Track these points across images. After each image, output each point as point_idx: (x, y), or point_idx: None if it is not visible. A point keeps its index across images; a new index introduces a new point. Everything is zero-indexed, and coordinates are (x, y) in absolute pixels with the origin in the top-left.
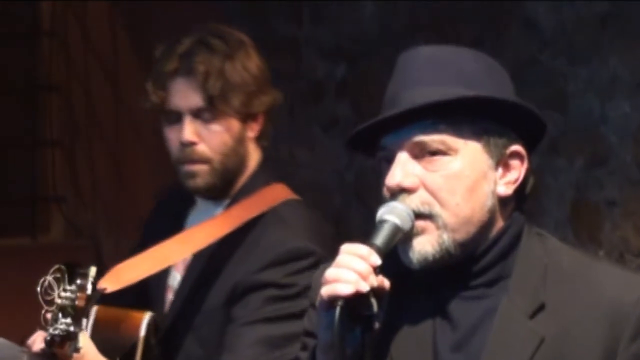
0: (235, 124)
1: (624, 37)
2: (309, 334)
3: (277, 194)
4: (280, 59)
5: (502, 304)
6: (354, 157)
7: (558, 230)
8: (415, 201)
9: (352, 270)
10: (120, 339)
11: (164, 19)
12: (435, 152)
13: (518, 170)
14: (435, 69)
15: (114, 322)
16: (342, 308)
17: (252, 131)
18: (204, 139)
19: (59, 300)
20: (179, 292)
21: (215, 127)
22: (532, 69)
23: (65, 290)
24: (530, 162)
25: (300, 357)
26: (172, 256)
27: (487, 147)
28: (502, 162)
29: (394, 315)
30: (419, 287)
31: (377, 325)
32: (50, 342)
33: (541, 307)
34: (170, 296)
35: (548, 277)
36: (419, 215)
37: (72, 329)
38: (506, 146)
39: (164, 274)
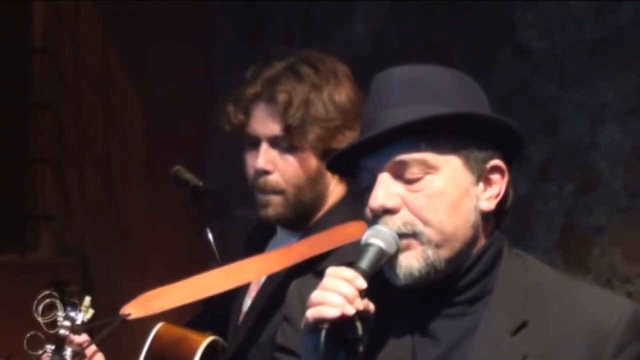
0: (313, 158)
1: (615, 63)
2: (283, 349)
3: (351, 232)
4: None
5: (484, 321)
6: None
7: (547, 255)
8: (397, 222)
9: (338, 293)
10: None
11: (156, 37)
12: (416, 171)
13: (499, 185)
14: (411, 88)
15: (174, 341)
16: (327, 331)
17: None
18: (279, 169)
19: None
20: (245, 318)
21: (291, 158)
22: (522, 94)
23: (58, 317)
24: (510, 177)
25: None
26: (211, 288)
27: (468, 163)
28: (483, 177)
29: (374, 335)
30: (400, 306)
31: (361, 348)
32: None
33: (524, 325)
34: (240, 320)
35: (530, 296)
36: (402, 236)
37: (56, 357)
38: (486, 161)
39: (241, 296)
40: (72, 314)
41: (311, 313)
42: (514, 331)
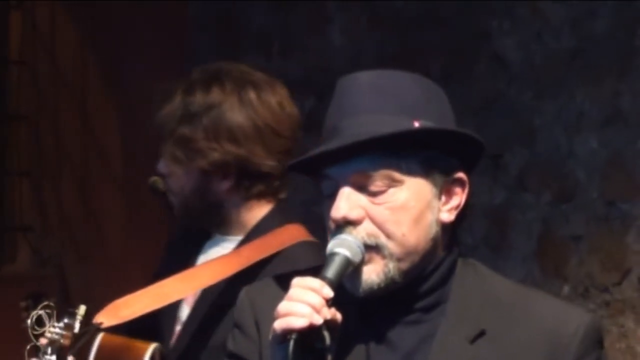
0: (190, 173)
1: (592, 73)
2: (233, 355)
3: (291, 235)
4: None
5: (441, 328)
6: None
7: (525, 265)
8: (361, 233)
9: (305, 303)
10: None
11: (133, 50)
12: (380, 190)
13: (460, 197)
14: (377, 95)
15: (118, 351)
16: (295, 341)
17: (223, 185)
18: (169, 176)
19: (48, 336)
20: (186, 325)
21: (174, 169)
22: (499, 104)
23: (54, 326)
24: (470, 187)
25: None
26: (172, 294)
27: (432, 177)
28: (444, 189)
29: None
30: (355, 313)
31: (329, 358)
32: None
33: (482, 333)
34: (178, 328)
35: (486, 304)
36: (365, 247)
37: None
38: (449, 174)
39: (174, 306)
40: (70, 321)
41: (279, 324)
42: (472, 339)
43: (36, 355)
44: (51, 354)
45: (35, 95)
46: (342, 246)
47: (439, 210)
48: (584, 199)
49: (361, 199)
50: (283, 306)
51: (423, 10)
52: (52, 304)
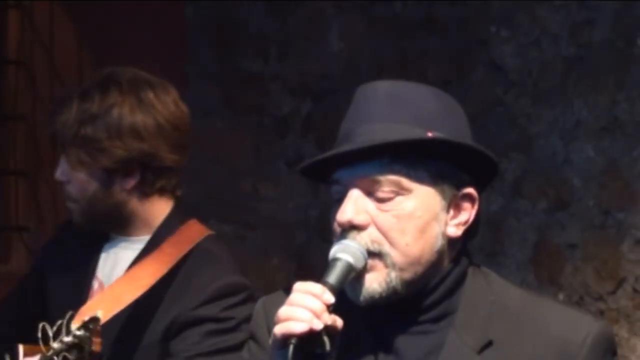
0: (93, 175)
1: (589, 81)
2: None
3: (198, 230)
4: (246, 94)
5: (449, 339)
6: (319, 194)
7: (519, 272)
8: (365, 239)
9: (306, 308)
10: None
11: (130, 51)
12: (388, 196)
13: (469, 212)
14: (393, 105)
15: None
16: (295, 346)
17: (126, 184)
18: (69, 182)
19: (66, 340)
20: (106, 329)
21: (75, 173)
22: (496, 110)
23: (74, 335)
24: (480, 205)
25: None
26: (126, 297)
27: (441, 189)
28: (453, 203)
29: (338, 350)
30: (363, 323)
31: None
32: None
33: (489, 344)
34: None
35: (495, 314)
36: (368, 253)
37: None
38: (459, 188)
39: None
40: (93, 326)
41: (279, 329)
42: (480, 350)
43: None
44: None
45: (32, 96)
46: (345, 252)
47: (446, 224)
48: (580, 207)
49: (368, 204)
50: (283, 311)
51: (422, 16)
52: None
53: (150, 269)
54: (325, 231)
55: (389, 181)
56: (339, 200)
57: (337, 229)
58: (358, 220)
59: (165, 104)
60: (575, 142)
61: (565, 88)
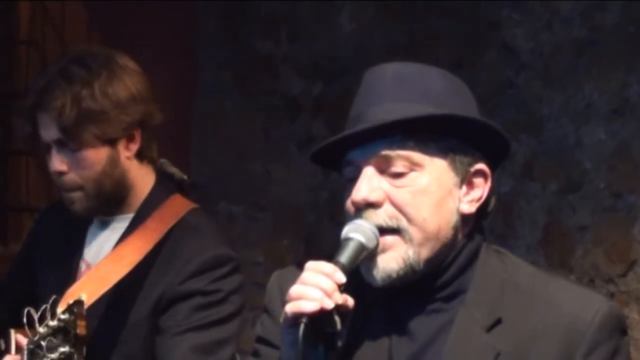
0: (102, 150)
1: (600, 64)
2: (262, 340)
3: (181, 204)
4: (257, 76)
5: (458, 317)
6: (329, 176)
7: (530, 254)
8: (382, 216)
9: (317, 287)
10: None
11: (141, 32)
12: (401, 171)
13: (482, 189)
14: (402, 86)
15: None
16: (306, 325)
17: (129, 151)
18: (72, 168)
19: (52, 325)
20: (93, 310)
21: (81, 156)
22: (507, 92)
23: (59, 319)
24: (493, 182)
25: None
26: (112, 276)
27: (453, 164)
28: (466, 180)
29: (352, 329)
30: (377, 302)
31: (340, 343)
32: None
33: (498, 322)
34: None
35: (505, 293)
36: (385, 231)
37: (75, 357)
38: (471, 164)
39: (63, 290)
40: (79, 310)
41: (290, 307)
42: (489, 328)
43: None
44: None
45: None
46: (357, 231)
47: (460, 200)
48: (591, 189)
49: (382, 182)
50: (295, 290)
51: None
52: (57, 298)
53: (134, 247)
54: (335, 212)
55: (401, 157)
56: (352, 179)
57: (352, 209)
58: (373, 197)
59: (136, 66)
60: (586, 124)
61: (576, 71)
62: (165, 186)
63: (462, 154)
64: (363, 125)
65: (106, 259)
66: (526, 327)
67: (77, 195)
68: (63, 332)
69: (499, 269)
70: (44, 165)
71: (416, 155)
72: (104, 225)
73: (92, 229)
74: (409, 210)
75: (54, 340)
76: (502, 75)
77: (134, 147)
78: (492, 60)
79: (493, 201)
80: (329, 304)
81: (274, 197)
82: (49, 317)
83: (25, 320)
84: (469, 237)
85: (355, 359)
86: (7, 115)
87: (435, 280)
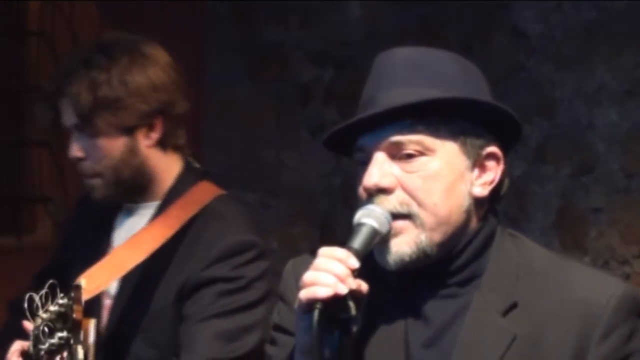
0: (119, 138)
1: (612, 45)
2: (279, 328)
3: (208, 191)
4: (267, 63)
5: (474, 302)
6: (341, 162)
7: (544, 237)
8: (393, 202)
9: (330, 273)
10: None
11: (151, 21)
12: (412, 153)
13: (494, 172)
14: (412, 70)
15: None
16: (320, 311)
17: (149, 139)
18: (90, 155)
19: (52, 310)
20: (118, 297)
21: (98, 143)
22: (519, 76)
23: (57, 303)
24: (506, 164)
25: (270, 353)
26: (127, 263)
27: (464, 147)
28: (478, 163)
29: (367, 315)
30: (392, 287)
31: (355, 328)
32: (48, 356)
33: (514, 306)
34: (107, 301)
35: (521, 276)
36: (397, 216)
37: (72, 342)
38: (482, 147)
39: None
40: (77, 295)
41: (304, 293)
42: (504, 312)
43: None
44: (63, 329)
45: (54, 66)
46: (369, 216)
47: (472, 184)
48: (604, 171)
49: (394, 167)
50: (308, 276)
51: None
52: (55, 282)
53: (154, 233)
54: (348, 198)
55: (412, 142)
56: (363, 164)
57: (363, 194)
58: (384, 183)
59: (164, 55)
60: (598, 106)
61: (588, 52)
62: (192, 173)
63: (474, 137)
64: (372, 111)
65: (124, 245)
66: (542, 311)
67: (96, 182)
68: (62, 318)
69: (514, 253)
70: (57, 156)
71: (427, 140)
72: (131, 212)
73: (120, 216)
74: (420, 195)
75: (54, 325)
76: (513, 58)
77: (155, 135)
78: (503, 44)
79: (506, 184)
80: (343, 290)
81: (287, 184)
82: (50, 302)
83: (26, 305)
84: (483, 220)
85: (370, 344)
86: (19, 106)
87: (449, 264)
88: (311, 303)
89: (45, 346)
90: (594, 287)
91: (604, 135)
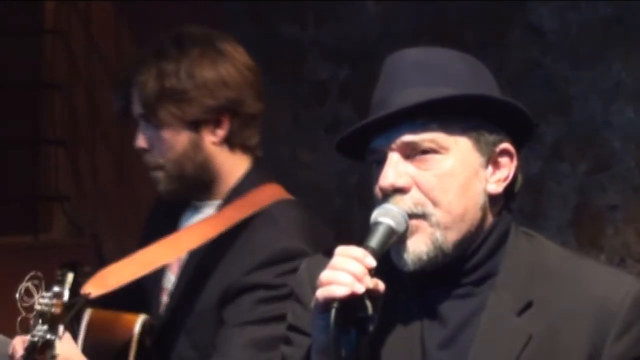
0: (183, 132)
1: (628, 43)
2: (293, 328)
3: (270, 194)
4: (283, 61)
5: (489, 301)
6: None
7: (560, 235)
8: (407, 202)
9: (347, 272)
10: (114, 341)
11: (167, 19)
12: (426, 151)
13: (508, 168)
14: (422, 70)
15: (108, 324)
16: (337, 310)
17: (215, 136)
18: (154, 146)
19: (37, 307)
20: (173, 294)
21: (162, 135)
22: (535, 73)
23: (43, 297)
24: (519, 160)
25: (286, 353)
26: (158, 260)
27: (477, 145)
28: (492, 160)
29: (383, 316)
30: (407, 287)
31: (371, 327)
32: (30, 350)
33: (529, 305)
34: (165, 298)
35: (535, 275)
36: (412, 216)
37: (48, 336)
38: (496, 144)
39: (159, 276)
40: (58, 289)
41: (321, 292)
42: (520, 311)
43: (30, 328)
44: (42, 324)
45: (69, 64)
46: (386, 215)
47: (486, 181)
48: (620, 168)
49: (408, 167)
50: (325, 275)
51: None
52: (39, 274)
53: (196, 233)
54: (363, 196)
55: (425, 141)
56: (379, 163)
57: (379, 194)
58: (400, 183)
59: (241, 53)
60: (614, 103)
61: (604, 49)
62: (258, 174)
63: (486, 134)
64: (384, 112)
65: (159, 243)
66: (557, 310)
67: (159, 175)
68: (45, 312)
69: (528, 251)
70: (73, 154)
71: (440, 138)
72: (196, 209)
73: (187, 213)
74: (435, 194)
75: (39, 318)
76: (529, 55)
77: (221, 133)
78: (519, 41)
79: (520, 180)
80: (360, 289)
81: (303, 182)
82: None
83: (17, 296)
84: (498, 217)
85: (387, 344)
86: (35, 105)
87: (465, 263)
88: (328, 302)
89: (33, 339)
90: (610, 285)
91: (620, 133)
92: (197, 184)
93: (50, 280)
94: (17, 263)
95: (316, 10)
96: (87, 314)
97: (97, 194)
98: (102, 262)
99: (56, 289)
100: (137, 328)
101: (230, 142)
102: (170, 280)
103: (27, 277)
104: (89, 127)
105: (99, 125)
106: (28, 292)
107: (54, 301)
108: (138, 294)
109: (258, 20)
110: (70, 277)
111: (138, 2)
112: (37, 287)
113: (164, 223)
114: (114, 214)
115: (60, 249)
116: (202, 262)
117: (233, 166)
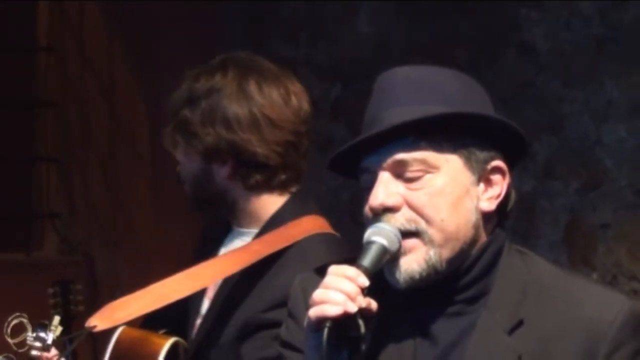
0: (196, 157)
1: (620, 62)
2: (287, 344)
3: (307, 227)
4: None
5: (481, 320)
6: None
7: (552, 253)
8: (400, 220)
9: (340, 291)
10: None
11: (161, 37)
12: (417, 170)
13: (500, 186)
14: (414, 88)
15: (136, 345)
16: (330, 329)
17: (223, 173)
18: (180, 162)
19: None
20: (204, 320)
21: (181, 154)
22: (528, 92)
23: (28, 337)
24: (511, 178)
25: None
26: (172, 294)
27: (469, 163)
28: (483, 177)
29: (376, 335)
30: (400, 305)
31: (364, 346)
32: None
33: (520, 324)
34: (198, 322)
35: (527, 293)
36: (405, 234)
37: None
38: (487, 162)
39: (198, 298)
40: (42, 334)
41: (313, 312)
42: (510, 330)
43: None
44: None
45: (63, 82)
46: (379, 234)
47: (479, 199)
48: (612, 187)
49: (399, 186)
50: (318, 294)
51: (451, 0)
52: (24, 315)
53: (217, 268)
54: (356, 214)
55: (416, 160)
56: (369, 187)
57: (369, 214)
58: (390, 202)
59: (268, 97)
60: (607, 122)
61: (596, 69)
62: (297, 206)
63: (478, 151)
64: (374, 130)
65: (179, 276)
66: (548, 328)
67: (186, 188)
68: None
69: (521, 269)
70: (64, 171)
71: (431, 156)
72: (237, 234)
73: (228, 237)
74: (427, 212)
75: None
76: (522, 74)
77: (225, 171)
78: (512, 60)
79: (513, 197)
80: (353, 308)
81: None
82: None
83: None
84: (492, 235)
85: None
86: (28, 122)
87: (458, 281)
88: (321, 321)
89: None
90: (601, 304)
91: (612, 152)
92: (215, 209)
93: (43, 304)
94: (9, 280)
95: (309, 29)
96: (118, 331)
97: (89, 211)
98: (94, 279)
99: (39, 332)
100: (163, 352)
101: (244, 183)
102: (205, 305)
103: (10, 318)
104: (82, 144)
105: (92, 142)
106: (16, 329)
107: (36, 344)
108: (177, 312)
109: (252, 38)
110: (56, 320)
111: (132, 22)
112: (26, 325)
113: (210, 242)
114: (106, 231)
115: (51, 266)
116: (231, 293)
117: (257, 203)
